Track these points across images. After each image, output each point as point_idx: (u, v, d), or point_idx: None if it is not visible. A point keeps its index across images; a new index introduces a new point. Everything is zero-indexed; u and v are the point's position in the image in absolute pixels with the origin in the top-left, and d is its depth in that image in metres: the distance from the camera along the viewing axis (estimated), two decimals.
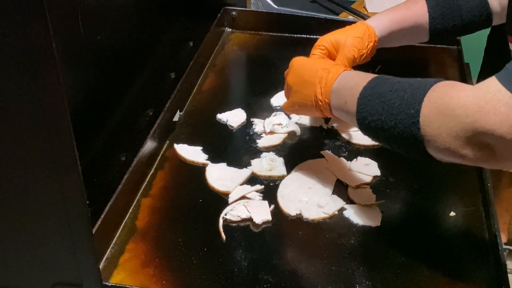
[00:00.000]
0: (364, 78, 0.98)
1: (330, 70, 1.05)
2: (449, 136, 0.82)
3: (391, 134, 0.91)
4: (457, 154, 0.84)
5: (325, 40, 1.21)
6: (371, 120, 0.93)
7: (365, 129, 0.97)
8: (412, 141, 0.88)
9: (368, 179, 1.17)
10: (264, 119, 1.33)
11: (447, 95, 0.84)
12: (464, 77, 1.45)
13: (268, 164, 1.20)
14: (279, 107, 1.39)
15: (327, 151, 1.24)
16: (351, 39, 1.19)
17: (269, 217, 1.09)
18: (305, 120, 1.34)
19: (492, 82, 0.80)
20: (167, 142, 1.27)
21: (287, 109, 1.18)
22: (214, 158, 1.23)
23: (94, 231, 0.95)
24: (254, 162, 1.21)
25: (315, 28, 1.63)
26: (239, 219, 1.09)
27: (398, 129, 0.89)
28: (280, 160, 1.22)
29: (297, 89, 1.10)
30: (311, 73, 1.08)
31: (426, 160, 0.90)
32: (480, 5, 1.22)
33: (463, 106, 0.81)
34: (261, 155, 1.23)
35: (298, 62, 1.14)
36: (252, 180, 1.18)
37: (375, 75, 0.98)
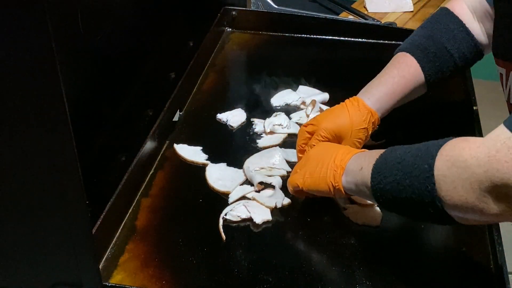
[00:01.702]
0: (380, 150, 0.97)
1: (350, 148, 1.06)
2: (464, 189, 0.80)
3: (406, 194, 0.88)
4: (476, 209, 0.81)
5: (327, 131, 1.14)
6: (386, 183, 0.91)
7: (380, 196, 0.93)
8: (428, 199, 0.85)
9: None
10: (264, 119, 1.33)
11: (458, 146, 0.82)
12: (464, 77, 1.45)
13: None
14: (279, 107, 1.39)
15: None
16: (356, 131, 1.15)
17: (269, 217, 1.09)
18: (305, 120, 1.33)
19: (501, 130, 0.78)
20: (167, 142, 1.27)
21: (296, 181, 1.08)
22: (214, 158, 1.23)
23: (94, 231, 0.95)
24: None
25: (315, 28, 1.63)
26: (239, 219, 1.09)
27: (414, 187, 0.86)
28: (281, 160, 1.22)
29: (317, 159, 1.06)
30: (332, 148, 1.07)
31: (447, 224, 0.88)
32: (470, 46, 1.20)
33: (474, 157, 0.79)
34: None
35: (321, 144, 1.13)
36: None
37: (389, 147, 0.96)
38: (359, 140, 1.16)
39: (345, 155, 1.02)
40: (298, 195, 1.12)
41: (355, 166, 0.99)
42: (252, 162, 1.20)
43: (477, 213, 0.82)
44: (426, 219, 0.94)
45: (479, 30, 1.21)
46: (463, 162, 0.80)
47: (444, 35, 1.20)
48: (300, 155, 1.17)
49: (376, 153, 0.96)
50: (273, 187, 1.14)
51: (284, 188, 1.14)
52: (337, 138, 1.15)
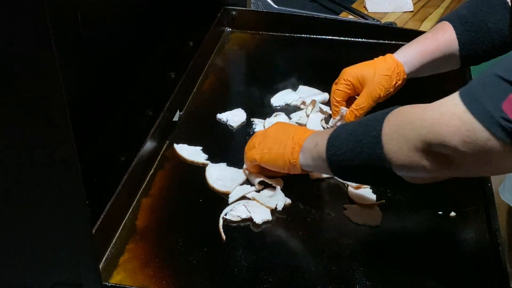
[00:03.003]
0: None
1: (306, 129, 1.13)
2: (409, 149, 0.85)
3: (358, 162, 0.93)
4: (419, 167, 0.86)
5: (350, 75, 1.19)
6: (340, 153, 0.96)
7: (335, 166, 0.99)
8: (378, 163, 0.90)
9: None
10: (264, 119, 1.33)
11: (405, 111, 0.88)
12: (464, 77, 1.45)
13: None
14: (279, 107, 1.39)
15: None
16: (379, 77, 1.17)
17: (269, 217, 1.09)
18: (305, 120, 1.34)
19: (453, 96, 0.81)
20: (167, 142, 1.27)
21: (254, 155, 1.12)
22: (214, 158, 1.23)
23: (94, 231, 0.95)
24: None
25: (315, 28, 1.63)
26: (239, 219, 1.09)
27: (364, 153, 0.92)
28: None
29: (275, 136, 1.11)
30: (290, 128, 1.12)
31: (397, 186, 0.92)
32: (511, 26, 1.17)
33: (420, 118, 0.84)
34: None
35: (276, 124, 1.17)
36: None
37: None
38: (381, 87, 1.17)
39: (302, 134, 1.07)
40: (252, 169, 1.15)
41: (311, 143, 1.04)
42: None
43: (420, 171, 0.87)
44: (378, 183, 0.99)
45: None
46: (409, 124, 0.85)
47: (485, 8, 1.18)
48: (336, 110, 1.24)
49: (330, 130, 1.02)
50: (274, 187, 1.14)
51: (285, 189, 1.14)
52: (360, 83, 1.19)
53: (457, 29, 1.18)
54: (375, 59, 1.22)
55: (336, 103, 1.24)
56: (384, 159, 0.89)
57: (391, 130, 0.88)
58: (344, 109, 1.22)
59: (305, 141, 1.05)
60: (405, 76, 1.19)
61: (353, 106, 1.20)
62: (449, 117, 0.79)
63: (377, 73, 1.17)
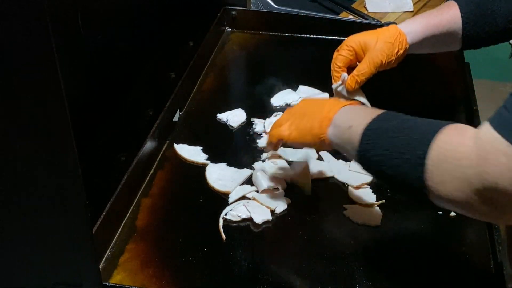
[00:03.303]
0: (375, 111, 0.94)
1: (339, 101, 1.03)
2: (453, 185, 0.79)
3: (394, 172, 0.87)
4: (461, 206, 0.81)
5: (353, 41, 1.18)
6: (374, 154, 0.89)
7: (365, 162, 0.92)
8: (415, 184, 0.84)
9: (368, 179, 1.17)
10: (264, 119, 1.33)
11: (453, 141, 0.81)
12: (464, 77, 1.45)
13: (271, 167, 1.20)
14: (279, 107, 1.39)
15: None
16: (381, 43, 1.16)
17: (269, 217, 1.09)
18: None
19: (488, 130, 0.76)
20: (167, 142, 1.27)
21: (280, 132, 1.06)
22: (214, 158, 1.23)
23: (94, 231, 0.95)
24: (257, 165, 1.21)
25: (315, 28, 1.63)
26: (239, 219, 1.09)
27: (403, 168, 0.85)
28: (281, 160, 1.22)
29: (302, 110, 1.05)
30: (319, 101, 1.06)
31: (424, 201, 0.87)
32: None
33: (467, 157, 0.77)
34: (261, 156, 1.24)
35: (304, 100, 1.11)
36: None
37: (385, 110, 0.94)
38: (383, 53, 1.16)
39: (333, 106, 1.00)
40: (272, 148, 1.11)
41: (343, 121, 0.97)
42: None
43: (462, 210, 0.82)
44: (406, 195, 0.94)
45: None
46: (456, 160, 0.79)
47: None
48: (337, 75, 1.19)
49: (369, 113, 0.94)
50: (276, 189, 1.14)
51: (285, 189, 1.14)
52: (363, 49, 1.17)
53: (463, 8, 1.18)
54: (378, 28, 1.21)
55: (337, 69, 1.20)
56: (423, 185, 0.82)
57: (437, 158, 0.81)
58: (344, 75, 1.19)
59: (337, 114, 0.98)
60: (407, 46, 1.18)
61: (355, 72, 1.18)
62: (495, 154, 0.74)
63: (379, 40, 1.16)
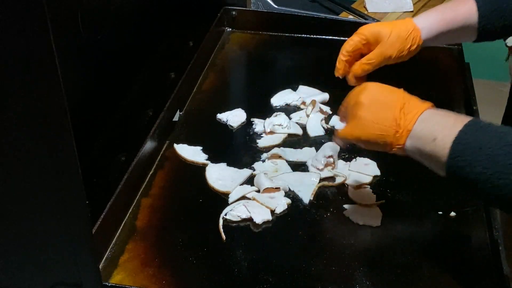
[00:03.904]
0: (460, 119, 0.88)
1: (416, 101, 0.95)
2: None
3: (497, 192, 0.82)
4: None
5: (367, 30, 1.16)
6: (470, 172, 0.83)
7: (456, 179, 0.86)
8: None
9: (368, 179, 1.17)
10: (264, 119, 1.33)
11: None
12: (464, 77, 1.45)
13: (271, 166, 1.20)
14: (279, 107, 1.39)
15: None
16: (395, 37, 1.14)
17: (269, 217, 1.09)
18: (305, 120, 1.34)
19: None
20: (167, 142, 1.27)
21: (346, 136, 1.00)
22: (214, 158, 1.23)
23: (94, 231, 0.95)
24: (257, 165, 1.21)
25: (315, 28, 1.63)
26: (239, 219, 1.09)
27: (507, 188, 0.80)
28: (282, 160, 1.22)
29: (372, 111, 0.96)
30: (392, 97, 0.96)
31: None
32: None
33: None
34: (261, 156, 1.24)
35: (375, 86, 1.01)
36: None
37: (471, 118, 0.89)
38: (394, 47, 1.14)
39: (408, 114, 0.92)
40: (341, 145, 1.08)
41: (425, 132, 0.89)
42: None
43: None
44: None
45: None
46: None
47: None
48: (343, 59, 1.16)
49: (454, 121, 0.88)
50: (277, 189, 1.14)
51: (286, 191, 1.14)
52: (375, 39, 1.15)
53: (478, 2, 1.16)
54: (393, 20, 1.20)
55: (345, 53, 1.17)
56: None
57: None
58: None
59: (416, 126, 0.90)
60: (421, 42, 1.16)
61: (363, 59, 1.16)
62: None
63: (393, 33, 1.14)
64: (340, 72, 1.17)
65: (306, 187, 1.15)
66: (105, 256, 1.02)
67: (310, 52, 1.62)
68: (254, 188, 1.15)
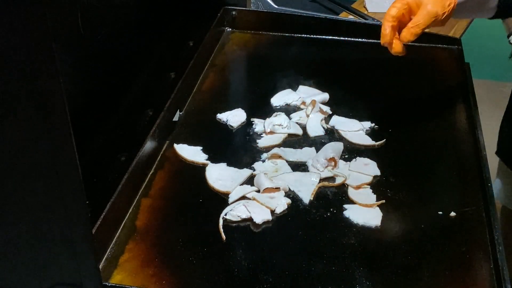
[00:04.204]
0: None
1: None
2: None
3: None
4: None
5: None
6: None
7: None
8: None
9: (368, 179, 1.17)
10: (264, 119, 1.33)
11: None
12: (465, 77, 1.45)
13: (271, 166, 1.20)
14: (279, 107, 1.39)
15: None
16: None
17: (269, 217, 1.09)
18: (305, 120, 1.34)
19: None
20: (167, 142, 1.27)
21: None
22: (214, 158, 1.23)
23: (94, 231, 0.95)
24: (257, 165, 1.21)
25: (315, 28, 1.63)
26: (239, 219, 1.09)
27: None
28: (282, 160, 1.22)
29: None
30: None
31: None
32: None
33: None
34: (261, 156, 1.24)
35: None
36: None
37: None
38: (437, 4, 1.15)
39: None
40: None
41: None
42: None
43: None
44: None
45: None
46: None
47: None
48: (388, 25, 1.18)
49: None
50: (277, 189, 1.14)
51: (286, 192, 1.14)
52: (415, 4, 1.17)
53: None
54: None
55: (389, 19, 1.18)
56: None
57: None
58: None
59: None
60: (456, 1, 1.18)
61: (410, 24, 1.17)
62: None
63: None
64: (387, 38, 1.18)
65: (306, 187, 1.16)
66: (105, 256, 1.02)
67: (310, 52, 1.62)
68: (254, 188, 1.15)
